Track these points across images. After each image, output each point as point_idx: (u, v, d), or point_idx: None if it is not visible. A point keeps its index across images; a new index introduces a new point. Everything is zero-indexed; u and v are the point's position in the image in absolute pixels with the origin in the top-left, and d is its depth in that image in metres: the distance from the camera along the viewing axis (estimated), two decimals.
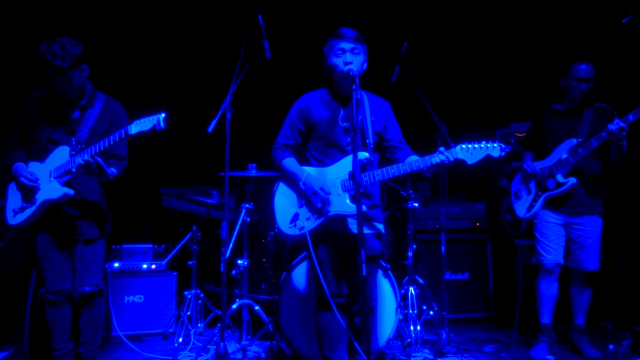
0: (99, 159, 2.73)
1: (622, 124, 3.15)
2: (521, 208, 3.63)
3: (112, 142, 2.70)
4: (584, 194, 3.49)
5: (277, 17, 5.12)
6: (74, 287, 2.96)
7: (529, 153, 3.74)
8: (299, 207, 2.76)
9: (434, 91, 5.62)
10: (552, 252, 3.52)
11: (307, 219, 2.71)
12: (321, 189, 2.65)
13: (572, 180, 3.41)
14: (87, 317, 2.99)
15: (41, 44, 2.75)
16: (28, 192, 2.87)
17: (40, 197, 2.85)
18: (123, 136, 2.68)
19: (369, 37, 2.87)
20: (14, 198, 2.95)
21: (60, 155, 2.88)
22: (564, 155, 3.43)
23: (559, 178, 3.44)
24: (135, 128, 2.66)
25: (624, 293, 4.28)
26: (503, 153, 2.50)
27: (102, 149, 2.72)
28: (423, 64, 5.43)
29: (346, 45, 2.71)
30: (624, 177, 4.60)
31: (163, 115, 2.62)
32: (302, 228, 2.71)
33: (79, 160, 2.73)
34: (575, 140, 3.43)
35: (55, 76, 2.76)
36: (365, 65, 2.79)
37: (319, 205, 2.66)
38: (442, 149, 2.54)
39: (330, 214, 2.65)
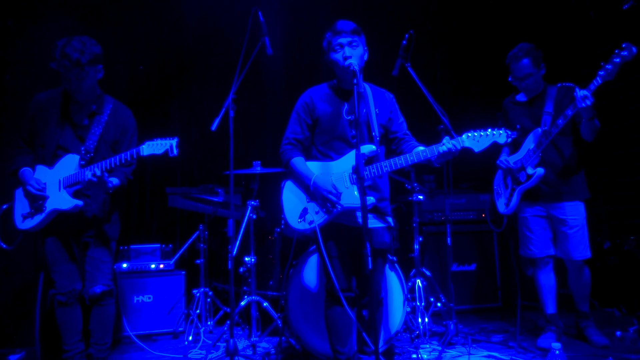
0: (106, 174, 2.78)
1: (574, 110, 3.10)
2: (501, 204, 3.60)
3: (122, 161, 2.75)
4: (561, 182, 3.43)
5: (277, 13, 5.13)
6: (84, 288, 2.98)
7: (505, 147, 3.70)
8: (308, 202, 2.75)
9: (436, 83, 5.65)
10: (539, 245, 3.51)
11: (317, 212, 2.71)
12: (332, 188, 2.64)
13: (540, 170, 3.36)
14: (98, 318, 3.01)
15: (60, 39, 2.77)
16: (36, 199, 2.89)
17: (49, 205, 2.87)
18: (135, 156, 2.72)
19: (370, 28, 2.86)
20: (21, 203, 2.96)
21: (70, 164, 2.89)
22: (531, 146, 3.41)
23: (529, 170, 3.40)
24: (147, 150, 2.71)
25: (630, 279, 4.28)
26: (509, 139, 2.51)
27: (112, 165, 2.77)
28: (425, 54, 5.44)
29: (343, 39, 2.71)
30: (628, 163, 4.59)
31: (175, 140, 2.71)
32: (311, 222, 2.70)
33: (89, 175, 2.76)
34: (539, 130, 3.40)
35: (71, 70, 2.76)
36: (365, 56, 2.79)
37: (329, 206, 2.66)
38: (447, 137, 2.54)
39: (340, 207, 2.64)
